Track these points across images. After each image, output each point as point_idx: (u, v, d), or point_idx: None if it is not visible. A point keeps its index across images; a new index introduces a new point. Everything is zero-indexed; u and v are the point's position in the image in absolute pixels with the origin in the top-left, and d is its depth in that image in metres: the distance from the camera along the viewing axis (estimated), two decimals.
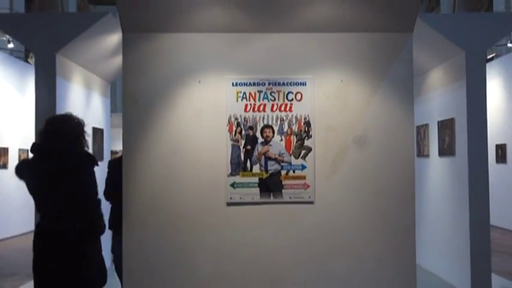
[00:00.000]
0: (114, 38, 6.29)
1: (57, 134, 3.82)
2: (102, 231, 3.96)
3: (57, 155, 3.80)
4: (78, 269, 3.73)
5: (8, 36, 10.93)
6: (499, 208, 10.73)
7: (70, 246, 3.70)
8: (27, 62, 13.43)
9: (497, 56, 13.95)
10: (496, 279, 6.40)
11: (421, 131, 7.75)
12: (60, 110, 6.24)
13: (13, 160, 12.40)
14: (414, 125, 5.47)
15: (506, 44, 12.59)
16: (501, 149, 12.54)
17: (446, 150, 6.91)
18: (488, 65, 7.14)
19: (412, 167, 5.24)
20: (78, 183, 3.79)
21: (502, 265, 7.99)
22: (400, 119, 5.23)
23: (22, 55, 13.60)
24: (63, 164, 3.76)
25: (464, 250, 6.24)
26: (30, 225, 6.74)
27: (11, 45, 12.12)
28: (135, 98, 5.15)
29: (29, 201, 4.45)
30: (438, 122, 7.16)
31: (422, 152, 7.74)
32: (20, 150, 12.75)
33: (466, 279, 6.21)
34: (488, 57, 11.98)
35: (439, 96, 7.19)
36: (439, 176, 7.17)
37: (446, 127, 6.88)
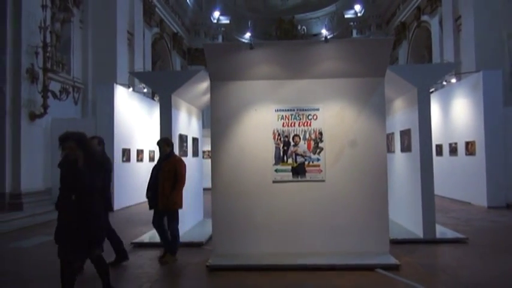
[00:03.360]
0: (205, 84, 6.38)
1: None
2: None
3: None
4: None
5: (143, 85, 11.25)
6: (439, 183, 10.33)
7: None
8: (154, 99, 13.80)
9: (436, 90, 13.49)
10: (438, 227, 6.20)
11: (389, 137, 7.55)
12: (174, 128, 6.37)
13: (146, 157, 12.57)
14: (385, 133, 5.35)
15: (441, 83, 12.20)
16: (439, 147, 12.17)
17: (405, 148, 6.72)
18: (431, 95, 6.91)
19: (384, 159, 5.13)
20: None
21: (441, 219, 7.71)
22: (376, 129, 5.13)
23: (150, 95, 13.94)
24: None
25: (418, 209, 6.06)
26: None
27: (145, 90, 12.47)
28: (218, 119, 5.24)
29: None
30: (400, 131, 6.97)
31: (390, 149, 7.54)
32: (149, 151, 12.76)
33: (419, 227, 6.03)
34: (431, 90, 11.59)
35: (401, 115, 7.00)
36: (401, 164, 6.97)
37: (405, 134, 6.69)
